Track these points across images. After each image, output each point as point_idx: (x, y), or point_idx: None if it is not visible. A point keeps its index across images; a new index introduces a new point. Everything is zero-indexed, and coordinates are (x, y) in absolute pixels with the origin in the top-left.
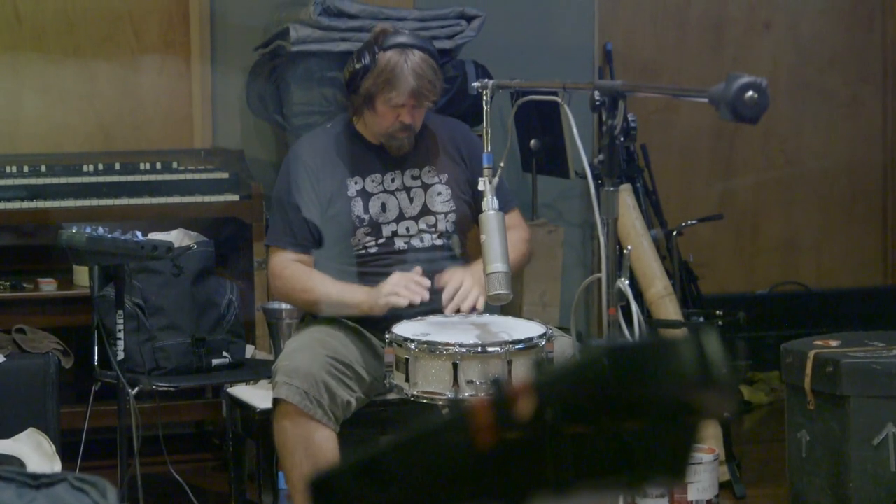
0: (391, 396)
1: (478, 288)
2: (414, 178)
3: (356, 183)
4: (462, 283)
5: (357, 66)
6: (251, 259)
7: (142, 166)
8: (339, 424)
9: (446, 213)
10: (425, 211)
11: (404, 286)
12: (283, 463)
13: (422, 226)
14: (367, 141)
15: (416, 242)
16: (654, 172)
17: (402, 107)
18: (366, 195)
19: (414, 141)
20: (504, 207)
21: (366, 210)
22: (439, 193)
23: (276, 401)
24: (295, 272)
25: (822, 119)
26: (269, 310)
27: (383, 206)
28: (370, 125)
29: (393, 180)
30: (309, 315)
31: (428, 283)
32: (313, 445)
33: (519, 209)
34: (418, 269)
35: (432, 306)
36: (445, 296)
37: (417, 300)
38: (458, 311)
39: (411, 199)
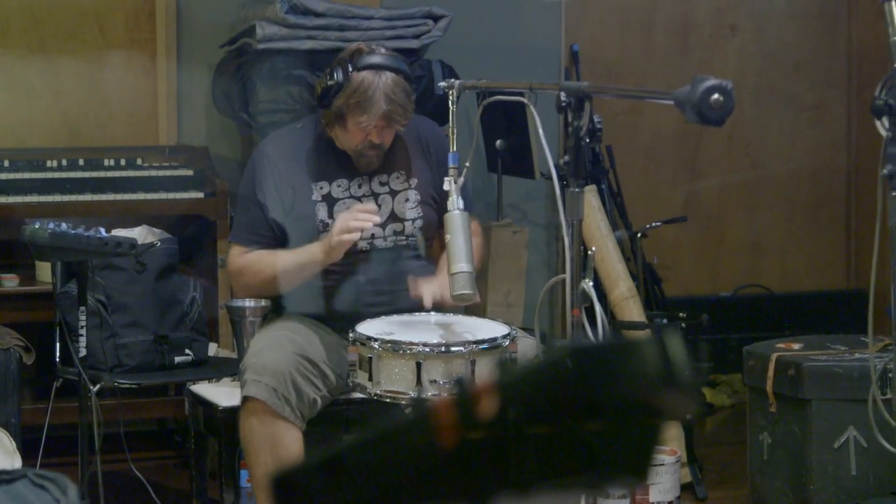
0: (354, 395)
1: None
2: (382, 184)
3: (321, 188)
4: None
5: (329, 82)
6: (215, 257)
7: (106, 162)
8: (306, 423)
9: (414, 220)
10: (393, 217)
11: (352, 219)
12: (249, 461)
13: (388, 233)
14: (335, 146)
15: (378, 243)
16: (619, 174)
17: (373, 128)
18: (331, 200)
19: (382, 156)
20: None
21: (330, 215)
22: (407, 200)
23: (244, 398)
24: (250, 257)
25: (787, 123)
26: (233, 307)
27: None
28: (340, 140)
29: (360, 186)
30: (273, 313)
31: (377, 213)
32: (280, 444)
33: (476, 217)
34: (372, 203)
35: (396, 306)
36: (427, 303)
37: (369, 225)
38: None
39: (379, 206)
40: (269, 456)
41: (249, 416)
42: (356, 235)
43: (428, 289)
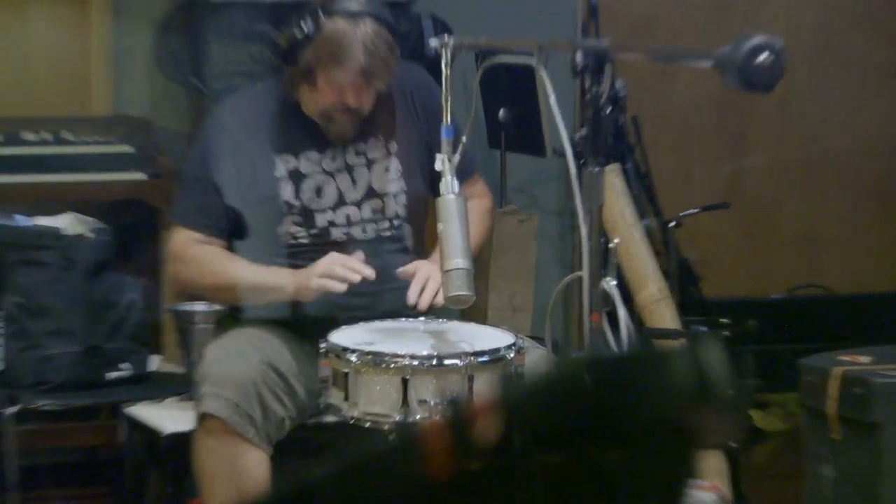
0: (327, 418)
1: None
2: (358, 153)
3: (286, 162)
4: (429, 275)
5: (296, 32)
6: (159, 251)
7: (26, 136)
8: (272, 446)
9: (396, 195)
10: (370, 193)
11: (340, 266)
12: (204, 491)
13: (366, 213)
14: (302, 112)
15: (357, 232)
16: (647, 151)
17: (348, 86)
18: (298, 177)
19: (358, 125)
20: (464, 173)
21: (296, 195)
22: (387, 170)
23: (201, 416)
24: (200, 252)
25: (851, 89)
26: (180, 312)
27: (318, 191)
28: (307, 102)
29: (333, 159)
30: (229, 318)
31: (372, 273)
32: (242, 471)
33: (481, 176)
34: (360, 253)
35: (378, 310)
36: (413, 290)
37: (357, 279)
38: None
39: (354, 181)
40: (228, 485)
41: (206, 437)
42: (341, 287)
43: (422, 276)
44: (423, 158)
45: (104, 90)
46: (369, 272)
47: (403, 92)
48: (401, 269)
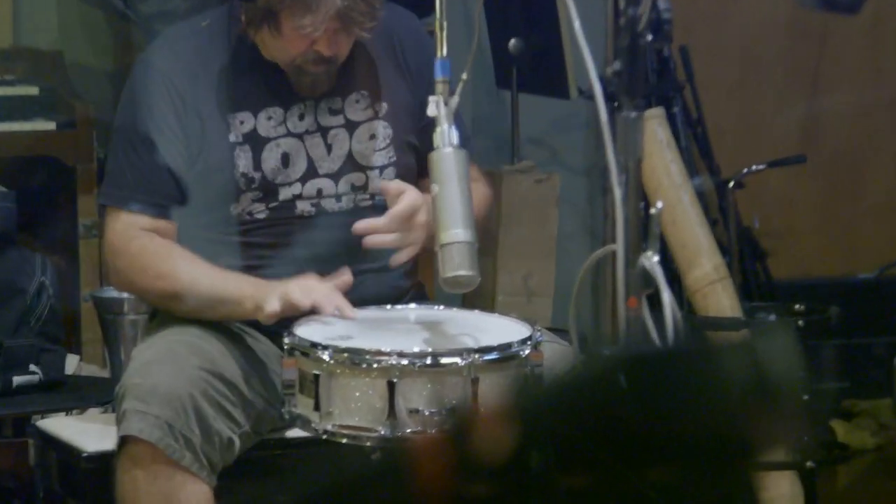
0: (291, 433)
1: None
2: (334, 112)
3: (242, 122)
4: (414, 208)
5: None
6: (75, 221)
7: None
8: (216, 475)
9: (383, 168)
10: (352, 164)
11: (324, 296)
12: None
13: (343, 187)
14: (261, 56)
15: (329, 204)
16: (699, 91)
17: (321, 33)
18: (257, 141)
19: (335, 76)
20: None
21: (256, 166)
22: (373, 136)
23: (122, 439)
24: (147, 247)
25: None
26: (103, 299)
27: (284, 159)
28: (269, 46)
29: (301, 117)
30: (164, 310)
31: (354, 314)
32: None
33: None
34: (347, 273)
35: (356, 296)
36: (387, 223)
37: (336, 314)
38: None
39: (329, 147)
40: None
41: (131, 467)
42: (329, 308)
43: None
44: (413, 123)
45: (2, 16)
46: (351, 314)
47: (391, 43)
48: (382, 184)
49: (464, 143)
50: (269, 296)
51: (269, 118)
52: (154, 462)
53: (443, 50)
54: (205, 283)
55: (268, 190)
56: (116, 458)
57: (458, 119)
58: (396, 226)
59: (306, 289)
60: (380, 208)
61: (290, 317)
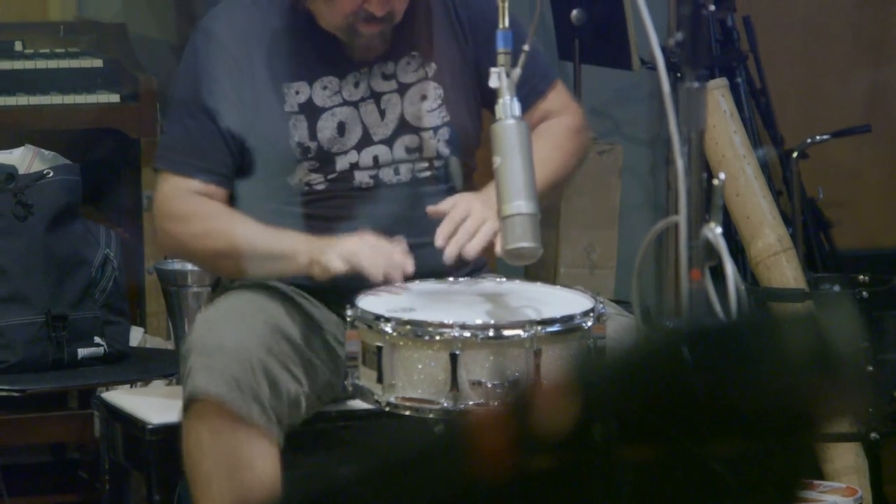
0: (354, 405)
1: (493, 220)
2: (387, 76)
3: (297, 92)
4: (469, 212)
5: None
6: (139, 193)
7: None
8: (284, 434)
9: (437, 129)
10: (404, 127)
11: (369, 257)
12: (196, 492)
13: (399, 152)
14: (316, 24)
15: (387, 175)
16: (763, 61)
17: None
18: (313, 111)
19: (389, 35)
20: (538, 83)
21: (312, 136)
22: (424, 97)
23: (189, 398)
24: (197, 208)
25: None
26: (167, 271)
27: (340, 128)
28: (322, 12)
29: (357, 85)
30: (226, 280)
31: (411, 267)
32: (245, 465)
33: (563, 84)
34: (401, 239)
35: (418, 269)
36: (442, 230)
37: (379, 278)
38: (459, 257)
39: (382, 112)
40: (227, 484)
41: (197, 425)
42: (377, 275)
43: (461, 205)
44: (470, 82)
45: None
46: (410, 266)
47: (444, 1)
48: (431, 208)
49: (545, 71)
50: (326, 252)
51: (325, 87)
52: (220, 418)
53: (505, 21)
54: (256, 238)
55: (324, 159)
56: (183, 416)
57: (537, 56)
58: (451, 227)
59: (373, 256)
60: (440, 178)
61: (346, 284)
